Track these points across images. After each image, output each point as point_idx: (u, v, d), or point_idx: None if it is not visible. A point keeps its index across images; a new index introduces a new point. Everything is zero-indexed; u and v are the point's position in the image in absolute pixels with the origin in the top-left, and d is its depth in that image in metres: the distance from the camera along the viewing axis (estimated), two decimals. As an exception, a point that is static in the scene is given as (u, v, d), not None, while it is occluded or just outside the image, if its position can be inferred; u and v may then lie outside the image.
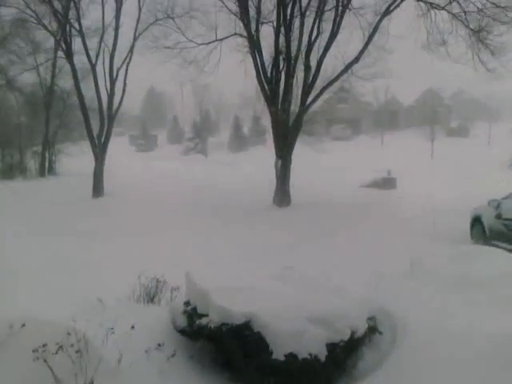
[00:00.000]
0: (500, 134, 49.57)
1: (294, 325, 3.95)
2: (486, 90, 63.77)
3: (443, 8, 16.84)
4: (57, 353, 3.16)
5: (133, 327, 4.18)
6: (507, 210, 10.41)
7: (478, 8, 16.27)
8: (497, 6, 15.80)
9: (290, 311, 4.08)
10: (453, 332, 4.22)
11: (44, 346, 3.15)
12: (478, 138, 52.26)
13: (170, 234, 11.53)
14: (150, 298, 5.79)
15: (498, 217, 10.64)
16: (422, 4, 17.09)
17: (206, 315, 4.30)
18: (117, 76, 20.40)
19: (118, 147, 37.41)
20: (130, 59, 20.43)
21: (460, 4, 16.52)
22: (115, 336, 3.90)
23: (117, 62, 20.38)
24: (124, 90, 20.76)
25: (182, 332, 4.55)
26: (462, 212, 12.49)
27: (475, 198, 12.35)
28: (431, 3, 17.02)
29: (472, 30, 16.71)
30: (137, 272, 5.74)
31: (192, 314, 4.54)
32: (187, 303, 4.76)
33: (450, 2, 16.60)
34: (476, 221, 11.67)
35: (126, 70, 20.52)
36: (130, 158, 40.09)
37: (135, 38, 20.23)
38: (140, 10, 20.24)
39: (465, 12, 16.56)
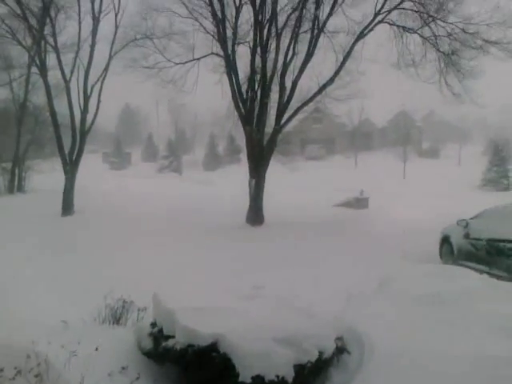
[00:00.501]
0: (470, 156, 50.84)
1: (262, 346, 3.90)
2: (456, 112, 65.62)
3: (415, 32, 17.34)
4: (14, 378, 3.05)
5: (96, 349, 4.09)
6: (475, 230, 10.60)
7: (448, 32, 16.84)
8: (465, 32, 16.35)
9: (258, 332, 4.03)
10: (420, 351, 4.23)
11: (0, 370, 3.03)
12: (448, 159, 53.47)
13: (137, 254, 11.33)
14: (116, 319, 5.66)
15: (466, 237, 10.82)
16: (394, 27, 17.58)
17: (173, 337, 4.22)
18: (91, 93, 20.26)
19: (91, 165, 37.01)
20: (105, 76, 20.35)
21: (431, 28, 17.07)
22: (78, 359, 3.80)
23: (92, 79, 20.30)
24: (98, 107, 20.62)
25: (148, 354, 4.45)
26: (432, 231, 12.65)
27: (446, 218, 12.54)
28: (404, 27, 17.52)
29: (443, 53, 17.27)
30: (102, 292, 5.62)
31: (158, 335, 4.46)
32: (153, 324, 4.68)
33: (422, 26, 17.12)
34: (445, 240, 11.84)
35: (101, 87, 20.42)
36: (102, 176, 39.63)
37: (111, 57, 20.18)
38: (117, 28, 20.24)
39: (435, 36, 17.11)
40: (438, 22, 16.81)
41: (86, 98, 20.20)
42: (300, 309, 4.64)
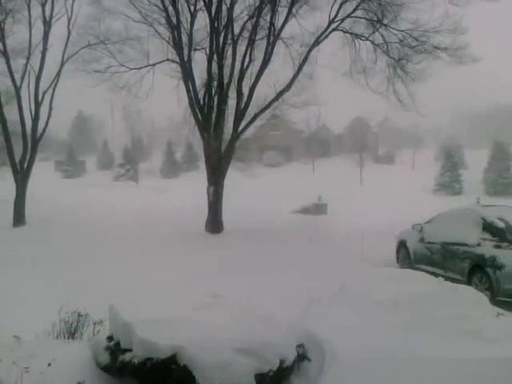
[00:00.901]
0: (424, 161, 52.31)
1: (222, 356, 3.84)
2: (409, 118, 67.46)
3: (367, 39, 17.82)
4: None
5: (49, 365, 3.93)
6: (429, 234, 10.88)
7: (399, 39, 17.49)
8: (416, 39, 17.00)
9: (218, 342, 3.96)
10: (381, 356, 4.26)
11: None
12: (403, 164, 54.82)
13: (91, 264, 11.02)
14: (71, 333, 5.46)
15: (421, 241, 11.09)
16: (348, 35, 17.98)
17: (130, 350, 4.09)
18: (42, 100, 19.71)
19: (43, 173, 35.93)
20: (57, 82, 19.82)
21: (383, 36, 17.66)
22: (30, 375, 3.64)
23: (43, 85, 19.74)
24: (49, 114, 20.08)
25: (105, 369, 4.29)
26: (389, 236, 12.90)
27: (402, 223, 12.80)
28: (356, 34, 18.00)
29: (393, 58, 17.89)
30: (56, 306, 5.41)
31: (115, 349, 4.31)
32: (110, 338, 4.53)
33: (373, 32, 17.61)
34: (401, 245, 12.10)
35: (53, 93, 19.90)
36: (54, 185, 38.53)
37: (63, 62, 19.69)
38: (69, 33, 19.79)
39: (387, 43, 17.71)
40: (390, 29, 17.43)
41: (38, 105, 19.66)
42: (260, 317, 4.60)
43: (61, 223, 18.06)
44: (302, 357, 4.38)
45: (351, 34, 18.03)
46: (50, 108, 19.97)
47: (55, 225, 17.74)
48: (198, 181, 24.25)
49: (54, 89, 19.86)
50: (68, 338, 5.43)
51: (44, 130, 20.14)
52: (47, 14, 19.32)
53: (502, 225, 8.80)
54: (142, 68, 18.45)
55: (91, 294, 6.95)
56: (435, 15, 16.37)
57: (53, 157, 62.74)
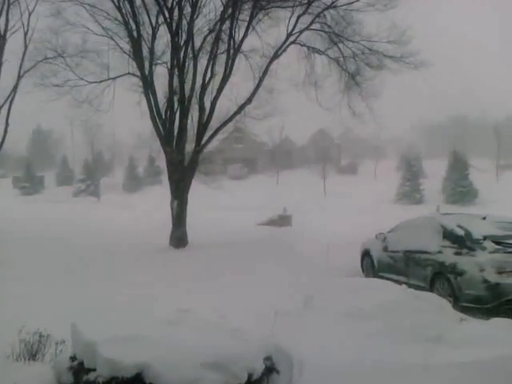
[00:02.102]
0: (386, 171, 53.41)
1: (189, 372, 3.78)
2: (370, 129, 68.93)
3: (323, 52, 18.26)
4: None
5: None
6: (392, 243, 11.06)
7: (353, 52, 17.99)
8: (369, 49, 17.67)
9: (185, 358, 3.89)
10: (348, 367, 4.28)
11: None
12: (365, 174, 55.85)
13: (42, 283, 10.49)
14: (32, 354, 5.26)
15: (385, 249, 11.27)
16: (304, 48, 18.40)
17: (94, 369, 3.98)
18: (-2, 115, 19.18)
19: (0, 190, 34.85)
20: (14, 97, 19.32)
21: (340, 49, 18.14)
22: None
23: (-1, 101, 19.20)
24: (6, 130, 19.52)
25: (68, 390, 4.17)
26: (354, 246, 13.04)
27: (366, 232, 12.96)
28: (313, 48, 18.46)
29: (349, 73, 18.35)
30: (14, 326, 5.21)
31: (78, 369, 4.19)
32: (73, 358, 4.39)
33: (330, 47, 18.07)
34: (365, 254, 12.25)
35: (9, 108, 19.36)
36: (11, 202, 37.39)
37: (20, 76, 19.22)
38: (26, 47, 19.34)
39: (343, 57, 18.16)
40: (345, 42, 17.92)
41: (-6, 121, 19.11)
42: (227, 331, 4.55)
43: (16, 240, 17.21)
44: (270, 369, 4.35)
45: (308, 47, 18.48)
46: (7, 123, 19.43)
47: (10, 242, 16.86)
48: (161, 195, 24.01)
49: (10, 104, 19.35)
50: (29, 360, 5.24)
51: (1, 145, 19.56)
52: (1, 27, 18.88)
53: (461, 232, 9.02)
54: (102, 81, 18.20)
55: (47, 314, 6.68)
56: (383, 26, 17.00)
57: (11, 173, 61.10)
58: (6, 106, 19.38)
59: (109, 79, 18.21)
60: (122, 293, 9.41)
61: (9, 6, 18.74)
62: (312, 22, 17.68)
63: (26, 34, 19.33)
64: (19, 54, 19.25)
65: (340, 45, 18.03)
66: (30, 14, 19.18)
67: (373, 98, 18.20)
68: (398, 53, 17.23)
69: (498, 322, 5.39)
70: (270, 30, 18.01)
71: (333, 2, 17.25)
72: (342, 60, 18.22)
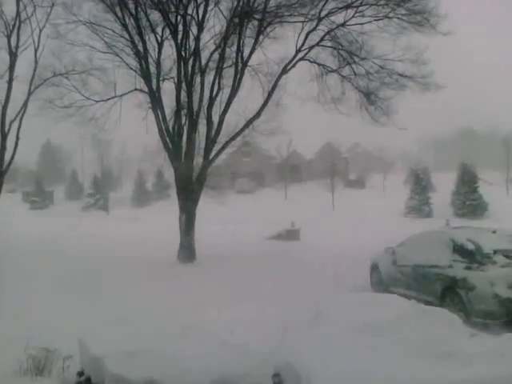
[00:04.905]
0: (394, 185, 53.22)
1: (197, 389, 3.74)
2: (378, 144, 69.06)
3: (334, 70, 18.07)
4: None
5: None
6: (401, 257, 10.97)
7: (366, 70, 17.65)
8: (382, 68, 17.32)
9: (193, 375, 3.86)
10: (356, 382, 4.22)
11: None
12: (374, 189, 55.68)
13: (55, 296, 10.48)
14: (39, 369, 5.24)
15: (394, 264, 11.17)
16: (315, 65, 18.23)
17: (102, 385, 3.96)
18: (9, 130, 19.36)
19: (10, 205, 35.09)
20: (24, 113, 19.52)
21: (351, 66, 17.81)
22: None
23: (10, 115, 19.39)
24: (16, 145, 19.65)
25: (75, 406, 4.14)
26: (362, 260, 12.94)
27: (375, 246, 12.85)
28: (324, 65, 18.17)
29: (362, 92, 17.99)
30: (22, 340, 5.19)
31: (85, 384, 4.17)
32: (81, 373, 4.39)
33: (341, 67, 17.87)
34: (374, 268, 12.15)
35: (20, 123, 19.53)
36: (23, 216, 37.63)
37: (30, 92, 19.44)
38: (36, 63, 19.58)
39: (355, 74, 17.85)
40: (355, 58, 17.57)
41: (4, 136, 19.26)
42: (235, 347, 4.52)
43: (25, 254, 17.21)
44: (278, 386, 4.31)
45: (318, 64, 18.13)
46: (17, 138, 19.59)
47: (19, 256, 16.83)
48: (169, 209, 24.01)
49: (20, 119, 19.55)
50: (36, 375, 5.22)
51: (11, 160, 19.71)
52: (13, 44, 19.14)
53: (471, 246, 8.93)
54: (108, 99, 18.29)
55: (56, 330, 6.66)
56: (398, 45, 16.73)
57: (21, 188, 61.65)
58: (17, 121, 19.56)
59: (115, 97, 18.25)
60: (123, 308, 9.30)
61: (20, 24, 19.06)
62: (321, 39, 17.49)
63: (36, 50, 19.60)
64: (29, 71, 19.51)
65: (352, 62, 17.70)
66: (40, 31, 19.48)
67: (388, 116, 17.90)
68: (411, 72, 16.95)
69: (510, 338, 5.30)
70: (278, 45, 18.02)
71: (345, 22, 17.05)
72: (354, 78, 17.91)
